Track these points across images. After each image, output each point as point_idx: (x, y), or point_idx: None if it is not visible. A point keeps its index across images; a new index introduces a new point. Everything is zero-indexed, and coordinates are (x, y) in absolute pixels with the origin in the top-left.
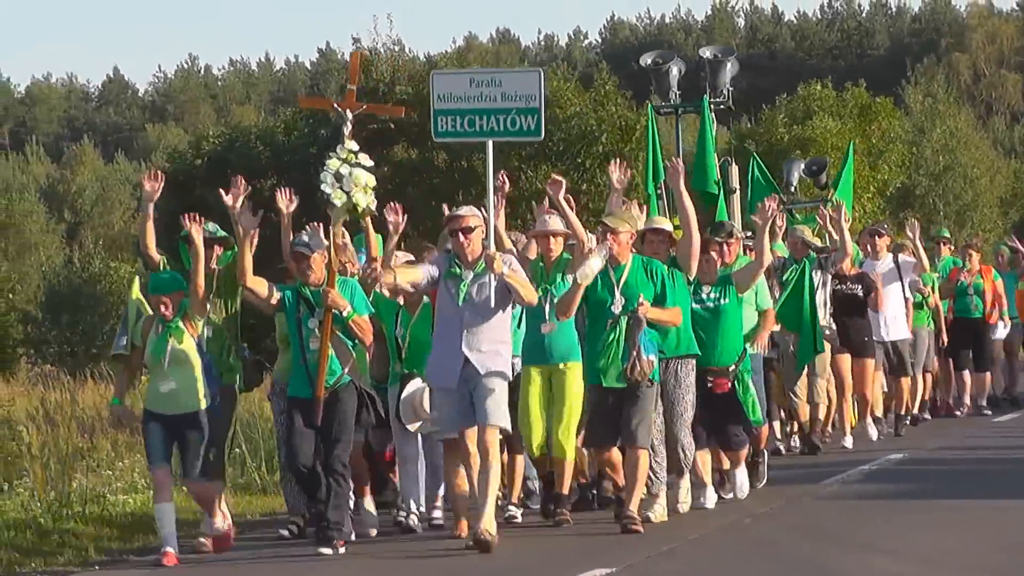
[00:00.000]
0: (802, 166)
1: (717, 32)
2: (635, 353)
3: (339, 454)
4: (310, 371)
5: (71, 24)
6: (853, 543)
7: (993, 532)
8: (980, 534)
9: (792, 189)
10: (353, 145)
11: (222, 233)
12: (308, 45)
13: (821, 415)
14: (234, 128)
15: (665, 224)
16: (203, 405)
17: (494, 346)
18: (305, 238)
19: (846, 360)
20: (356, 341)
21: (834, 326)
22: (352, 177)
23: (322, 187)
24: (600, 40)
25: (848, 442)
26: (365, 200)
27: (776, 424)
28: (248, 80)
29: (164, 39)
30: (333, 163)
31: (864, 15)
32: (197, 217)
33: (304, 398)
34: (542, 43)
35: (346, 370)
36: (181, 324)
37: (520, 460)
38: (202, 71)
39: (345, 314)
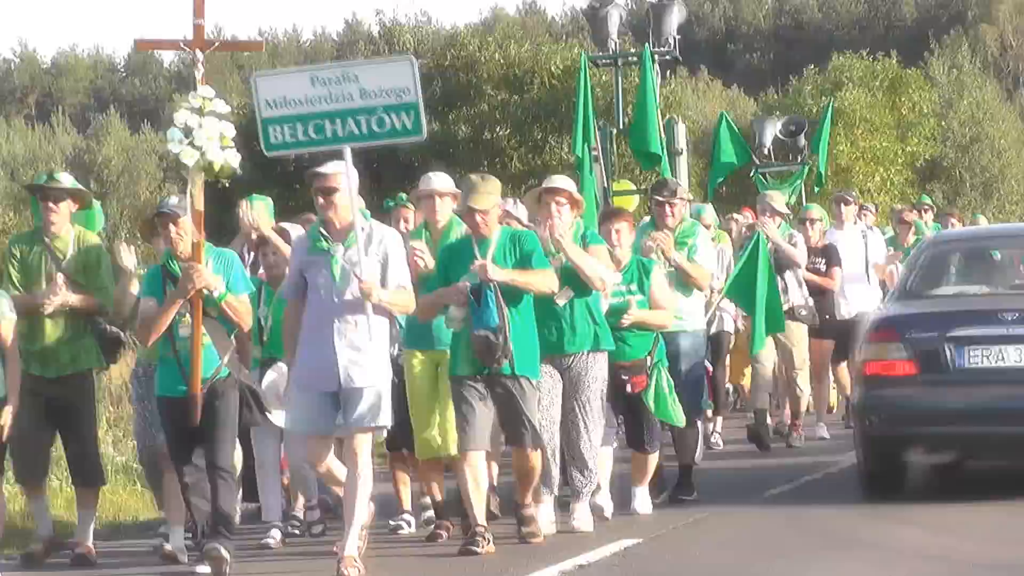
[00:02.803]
0: (778, 126)
1: (744, 3)
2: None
3: (222, 455)
4: (181, 363)
5: None
6: (884, 515)
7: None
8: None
9: (766, 151)
10: (207, 91)
11: (74, 184)
12: (335, 16)
13: (803, 407)
14: None
15: (564, 182)
16: None
17: (368, 338)
18: (173, 200)
19: (822, 345)
20: (234, 326)
21: (811, 303)
22: (203, 130)
23: (168, 145)
24: (627, 12)
25: (823, 431)
26: (222, 156)
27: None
28: (274, 51)
29: (190, 9)
30: (180, 115)
31: None
32: None
33: (177, 398)
34: (568, 14)
35: (224, 360)
36: None
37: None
38: None
39: (216, 295)
